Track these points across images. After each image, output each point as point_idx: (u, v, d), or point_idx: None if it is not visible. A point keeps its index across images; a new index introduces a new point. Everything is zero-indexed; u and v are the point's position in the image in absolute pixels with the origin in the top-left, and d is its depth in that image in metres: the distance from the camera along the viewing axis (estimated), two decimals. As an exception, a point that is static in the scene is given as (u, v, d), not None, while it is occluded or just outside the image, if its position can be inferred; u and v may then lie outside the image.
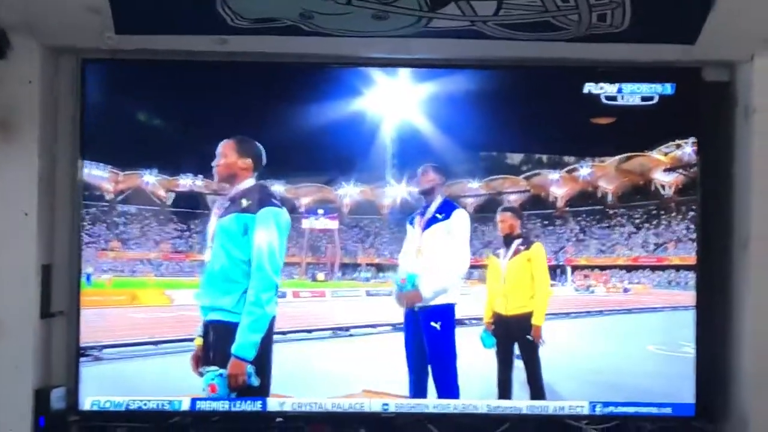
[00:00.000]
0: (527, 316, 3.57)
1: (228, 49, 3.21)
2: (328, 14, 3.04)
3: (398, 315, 3.55)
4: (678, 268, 3.55)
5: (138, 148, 3.48)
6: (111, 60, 3.24)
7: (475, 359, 3.49)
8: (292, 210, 3.61)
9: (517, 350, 3.58)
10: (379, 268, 3.82)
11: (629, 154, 3.52)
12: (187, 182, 3.69)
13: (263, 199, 3.18)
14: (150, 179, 3.67)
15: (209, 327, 3.17)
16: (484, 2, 2.96)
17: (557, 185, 3.67)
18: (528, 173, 3.62)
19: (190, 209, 3.80)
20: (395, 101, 3.42)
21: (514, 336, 3.57)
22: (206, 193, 3.71)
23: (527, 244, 3.66)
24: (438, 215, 3.56)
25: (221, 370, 3.02)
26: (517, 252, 3.64)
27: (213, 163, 3.25)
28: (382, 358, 3.56)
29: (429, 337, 3.44)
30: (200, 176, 3.68)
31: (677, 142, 3.38)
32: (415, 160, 3.52)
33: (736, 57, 3.24)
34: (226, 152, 3.26)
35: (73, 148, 3.29)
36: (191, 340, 3.35)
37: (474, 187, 3.65)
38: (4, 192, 3.15)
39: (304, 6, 3.00)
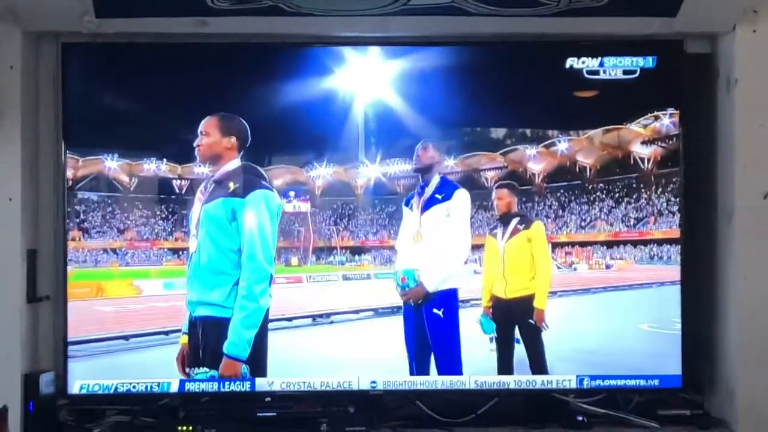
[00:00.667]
0: (528, 299, 3.42)
1: (208, 30, 3.20)
2: (308, -7, 3.04)
3: (378, 299, 3.48)
4: (660, 242, 3.48)
5: (106, 132, 3.34)
6: (91, 44, 3.24)
7: (474, 344, 3.38)
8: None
9: (517, 334, 3.44)
10: (355, 251, 3.70)
11: (608, 127, 3.45)
12: (150, 166, 3.45)
13: (251, 181, 3.00)
14: (111, 164, 3.41)
15: (197, 323, 3.00)
16: (465, -23, 2.96)
17: (534, 161, 3.53)
18: (505, 149, 3.52)
19: (154, 194, 3.56)
20: (368, 79, 3.31)
21: (514, 320, 3.43)
22: (172, 178, 3.50)
23: (526, 222, 3.47)
24: (437, 195, 3.39)
25: (212, 371, 2.92)
26: (515, 232, 3.48)
27: (195, 143, 3.09)
28: (373, 345, 3.47)
29: (432, 324, 3.33)
30: (164, 160, 3.45)
31: (656, 113, 3.33)
32: (390, 139, 3.41)
33: (717, 28, 3.24)
34: (208, 130, 3.07)
35: (56, 133, 3.29)
36: (165, 333, 3.28)
37: (450, 165, 3.46)
38: (-13, 178, 3.15)
39: (283, -15, 3.00)
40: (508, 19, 3.17)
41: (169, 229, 3.60)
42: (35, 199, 3.29)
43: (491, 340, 3.41)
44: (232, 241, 2.96)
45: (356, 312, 3.71)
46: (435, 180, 3.42)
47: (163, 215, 3.60)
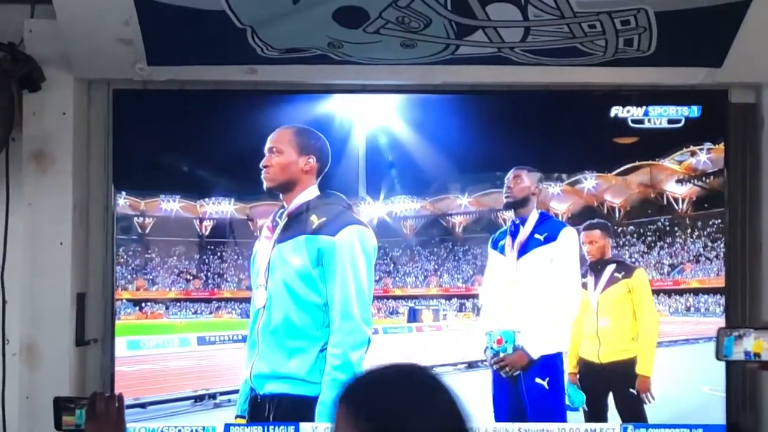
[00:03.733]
0: (628, 364, 2.96)
1: (257, 78, 3.24)
2: (356, 43, 3.07)
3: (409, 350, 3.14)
4: (697, 291, 3.19)
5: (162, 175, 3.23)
6: (142, 90, 3.29)
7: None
8: (245, 233, 3.03)
9: (611, 406, 2.97)
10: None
11: (638, 163, 3.24)
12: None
13: (342, 214, 2.49)
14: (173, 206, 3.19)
15: (266, 403, 2.52)
16: (511, 29, 2.98)
17: (558, 200, 3.12)
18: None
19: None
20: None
21: (609, 389, 2.99)
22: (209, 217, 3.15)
23: (626, 270, 3.01)
24: (538, 236, 2.94)
25: None
26: (612, 281, 3.00)
27: (262, 163, 2.65)
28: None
29: (533, 398, 2.85)
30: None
31: (692, 148, 3.20)
32: (436, 183, 3.17)
33: (762, 79, 3.26)
34: (281, 147, 2.56)
35: (106, 178, 3.34)
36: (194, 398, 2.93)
37: (462, 203, 3.11)
38: (40, 222, 3.19)
39: (332, 36, 3.03)
40: (553, 69, 3.20)
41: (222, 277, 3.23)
42: (85, 242, 3.33)
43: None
44: (317, 292, 2.41)
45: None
46: (533, 216, 2.96)
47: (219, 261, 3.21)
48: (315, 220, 2.51)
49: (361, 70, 3.22)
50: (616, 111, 3.30)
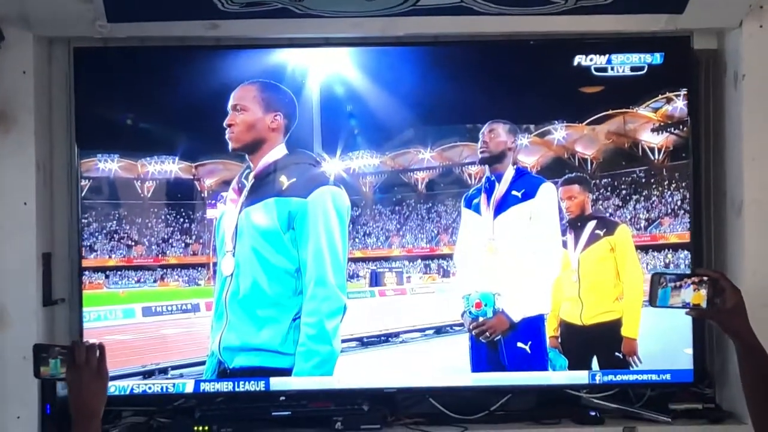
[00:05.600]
0: (613, 326, 2.87)
1: (218, 33, 3.22)
2: (317, -5, 3.06)
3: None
4: (676, 247, 3.10)
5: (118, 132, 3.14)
6: (103, 48, 3.26)
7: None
8: (191, 195, 2.94)
9: (595, 366, 2.90)
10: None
11: (611, 111, 3.15)
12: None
13: (313, 174, 2.36)
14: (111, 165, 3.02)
15: (238, 377, 2.37)
16: (473, -22, 2.98)
17: (526, 152, 2.98)
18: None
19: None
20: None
21: (593, 352, 2.91)
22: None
23: (608, 226, 2.88)
24: (515, 193, 2.82)
25: None
26: (593, 239, 2.87)
27: (225, 122, 2.50)
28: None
29: (515, 362, 2.77)
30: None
31: (668, 95, 3.15)
32: (396, 133, 3.07)
33: (724, 24, 3.25)
34: (245, 104, 2.41)
35: (69, 136, 3.31)
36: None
37: (424, 158, 2.97)
38: (3, 182, 3.16)
39: (293, -13, 3.02)
40: (515, 18, 3.19)
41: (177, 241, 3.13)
42: (50, 202, 3.31)
43: None
44: (288, 258, 2.27)
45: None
46: (509, 172, 2.83)
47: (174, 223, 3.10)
48: (284, 181, 2.38)
49: (322, 24, 3.20)
50: (579, 60, 3.30)
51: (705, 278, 2.06)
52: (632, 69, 3.30)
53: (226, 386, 3.20)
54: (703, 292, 2.04)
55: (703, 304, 2.05)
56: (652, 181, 3.25)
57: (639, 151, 3.19)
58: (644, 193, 3.24)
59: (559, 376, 3.30)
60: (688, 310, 2.06)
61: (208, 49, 3.31)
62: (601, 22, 3.21)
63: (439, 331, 3.14)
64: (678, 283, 2.05)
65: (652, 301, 2.07)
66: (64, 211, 3.34)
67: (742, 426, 3.14)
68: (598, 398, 3.37)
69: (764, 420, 1.95)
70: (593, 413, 3.30)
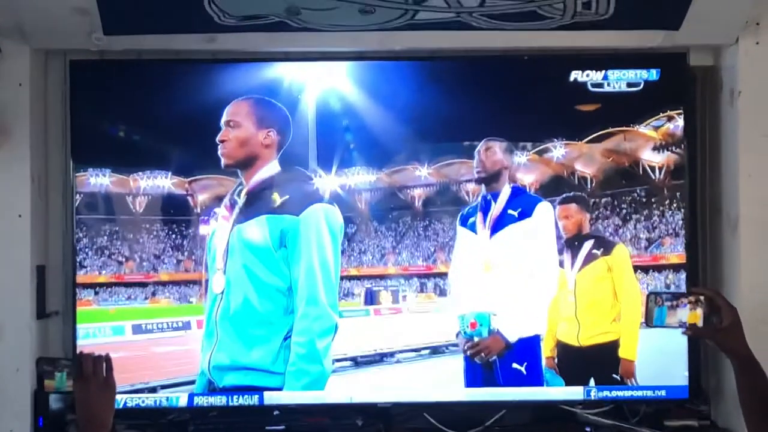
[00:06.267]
0: (610, 347, 2.85)
1: (216, 47, 3.22)
2: (314, 9, 3.05)
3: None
4: (678, 268, 3.06)
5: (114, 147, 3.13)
6: (99, 60, 3.26)
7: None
8: (185, 210, 2.94)
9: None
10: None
11: (611, 129, 3.13)
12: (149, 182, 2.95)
13: (306, 191, 2.36)
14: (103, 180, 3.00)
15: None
16: (469, -7, 2.98)
17: (525, 170, 2.96)
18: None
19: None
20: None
21: (590, 374, 2.89)
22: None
23: (605, 246, 2.86)
24: (511, 212, 2.81)
25: None
26: (590, 258, 2.86)
27: (218, 138, 2.49)
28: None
29: (510, 384, 2.76)
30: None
31: (669, 113, 3.14)
32: (390, 153, 3.05)
33: (720, 41, 3.25)
34: (238, 120, 2.41)
35: (64, 149, 3.31)
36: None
37: (421, 175, 2.95)
38: (-3, 194, 3.17)
39: (290, 2, 3.01)
40: (512, 33, 3.20)
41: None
42: (44, 214, 3.30)
43: None
44: (280, 276, 2.26)
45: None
46: (506, 191, 2.83)
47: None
48: (277, 198, 2.36)
49: (319, 37, 3.20)
50: (575, 75, 3.30)
51: (701, 297, 2.05)
52: (628, 85, 3.30)
53: (219, 400, 3.18)
54: (699, 311, 2.04)
55: (700, 323, 2.05)
56: (653, 200, 3.23)
57: (639, 169, 3.17)
58: (645, 213, 3.22)
59: (554, 391, 3.29)
60: (684, 330, 2.06)
61: (204, 63, 3.31)
62: (598, 38, 3.21)
63: (435, 351, 3.13)
64: (674, 303, 2.05)
65: (648, 321, 2.06)
66: (59, 223, 3.33)
67: (737, 443, 3.14)
68: (593, 414, 3.36)
69: None
70: (588, 429, 3.29)
